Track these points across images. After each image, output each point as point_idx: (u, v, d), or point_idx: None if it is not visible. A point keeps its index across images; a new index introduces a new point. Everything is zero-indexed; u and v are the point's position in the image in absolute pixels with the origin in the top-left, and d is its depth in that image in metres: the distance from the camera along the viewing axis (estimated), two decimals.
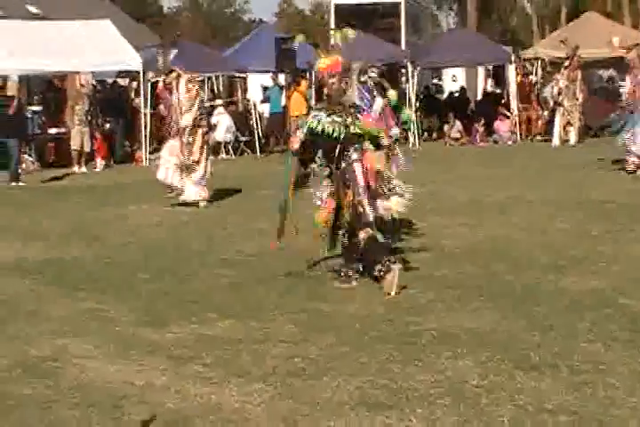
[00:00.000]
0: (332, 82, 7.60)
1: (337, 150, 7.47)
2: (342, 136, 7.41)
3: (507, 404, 4.89)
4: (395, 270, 7.24)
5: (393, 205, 7.60)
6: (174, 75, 12.97)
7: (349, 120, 7.45)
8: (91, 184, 16.47)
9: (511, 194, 12.82)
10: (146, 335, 6.38)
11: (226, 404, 5.04)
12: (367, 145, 7.56)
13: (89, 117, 19.27)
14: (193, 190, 12.62)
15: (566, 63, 21.03)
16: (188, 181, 12.61)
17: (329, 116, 7.46)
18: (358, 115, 7.58)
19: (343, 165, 7.52)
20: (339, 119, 7.43)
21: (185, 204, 12.67)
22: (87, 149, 19.19)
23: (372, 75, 8.51)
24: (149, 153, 20.37)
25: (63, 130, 19.96)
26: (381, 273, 7.30)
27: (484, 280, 7.71)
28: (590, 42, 21.48)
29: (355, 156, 7.51)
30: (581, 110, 21.06)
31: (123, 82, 24.30)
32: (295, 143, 7.66)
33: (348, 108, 7.54)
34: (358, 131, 7.45)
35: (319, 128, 7.43)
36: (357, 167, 7.50)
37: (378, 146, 7.68)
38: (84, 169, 18.98)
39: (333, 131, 7.39)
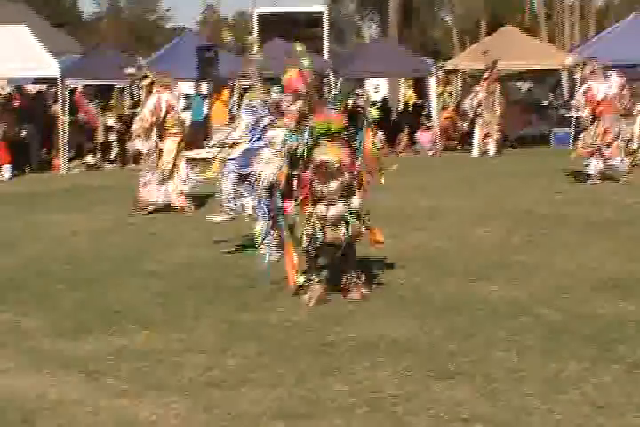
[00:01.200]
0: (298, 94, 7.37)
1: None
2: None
3: (423, 413, 4.92)
4: (319, 286, 7.30)
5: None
6: (147, 81, 12.73)
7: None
8: (7, 193, 16.15)
9: (434, 203, 12.92)
10: (62, 348, 6.26)
11: (141, 417, 4.96)
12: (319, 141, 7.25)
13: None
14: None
15: (485, 75, 21.32)
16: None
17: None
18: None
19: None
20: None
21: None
22: None
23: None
24: (67, 161, 20.10)
25: None
26: (309, 282, 7.32)
27: (406, 289, 7.74)
28: (508, 55, 21.78)
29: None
30: (500, 122, 21.35)
31: (40, 88, 23.96)
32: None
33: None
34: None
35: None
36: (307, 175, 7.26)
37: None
38: None
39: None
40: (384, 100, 28.73)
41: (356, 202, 7.31)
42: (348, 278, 7.45)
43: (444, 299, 7.38)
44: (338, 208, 7.18)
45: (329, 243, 7.26)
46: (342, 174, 7.19)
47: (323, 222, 7.19)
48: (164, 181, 12.61)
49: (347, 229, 7.21)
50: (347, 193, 7.25)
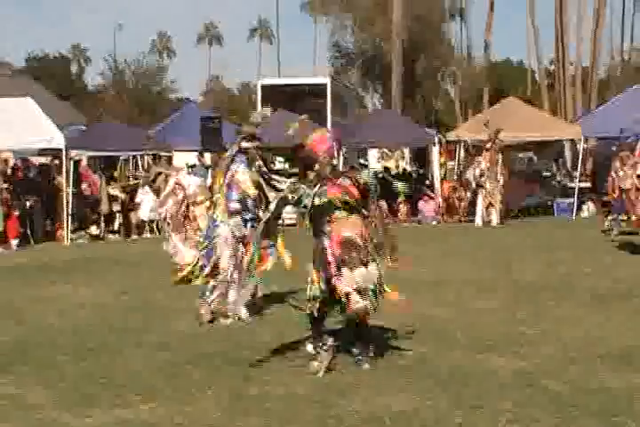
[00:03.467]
0: (323, 157, 7.59)
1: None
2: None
3: None
4: (327, 354, 7.30)
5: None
6: (162, 177, 12.81)
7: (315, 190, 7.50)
8: (12, 264, 16.16)
9: (438, 273, 12.92)
10: (66, 421, 6.21)
11: None
12: (337, 213, 7.52)
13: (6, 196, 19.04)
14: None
15: (488, 146, 21.50)
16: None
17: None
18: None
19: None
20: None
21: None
22: (0, 228, 18.85)
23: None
24: (71, 232, 20.17)
25: None
26: (316, 350, 7.31)
27: (411, 359, 7.70)
28: (511, 125, 22.00)
29: (326, 228, 7.52)
30: (503, 192, 21.46)
31: (45, 160, 24.14)
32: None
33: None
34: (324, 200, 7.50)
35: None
36: (326, 241, 7.49)
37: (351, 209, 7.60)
38: None
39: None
40: (386, 170, 28.94)
41: (374, 270, 7.47)
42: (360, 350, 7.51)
43: (449, 370, 7.34)
44: (362, 272, 7.36)
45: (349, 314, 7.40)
46: (366, 246, 7.47)
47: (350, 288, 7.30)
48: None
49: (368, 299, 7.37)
50: (366, 260, 7.43)
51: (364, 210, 7.66)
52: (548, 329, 8.89)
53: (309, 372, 7.22)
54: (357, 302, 7.31)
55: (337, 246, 7.41)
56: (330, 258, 7.41)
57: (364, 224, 7.60)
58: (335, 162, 7.82)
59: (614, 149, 19.15)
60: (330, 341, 7.51)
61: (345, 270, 7.34)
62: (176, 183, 12.31)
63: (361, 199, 7.63)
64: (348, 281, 7.32)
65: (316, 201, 7.48)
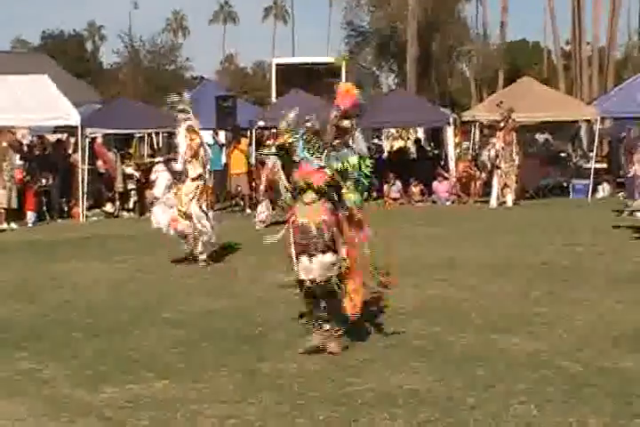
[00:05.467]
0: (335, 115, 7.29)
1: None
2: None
3: None
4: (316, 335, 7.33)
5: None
6: (190, 122, 12.53)
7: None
8: (27, 241, 16.21)
9: (452, 254, 12.88)
10: (80, 396, 6.25)
11: None
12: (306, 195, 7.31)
13: (21, 174, 19.09)
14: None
15: (501, 125, 21.39)
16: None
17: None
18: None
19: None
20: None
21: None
22: (14, 205, 18.91)
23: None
24: (86, 209, 20.22)
25: None
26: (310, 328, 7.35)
27: (425, 340, 7.71)
28: (526, 106, 21.87)
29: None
30: (518, 172, 21.37)
31: (60, 137, 24.19)
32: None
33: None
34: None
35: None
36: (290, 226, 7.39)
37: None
38: (13, 225, 18.64)
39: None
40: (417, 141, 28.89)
41: (330, 258, 7.21)
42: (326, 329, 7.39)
43: (463, 350, 7.35)
44: (318, 261, 7.18)
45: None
46: (322, 235, 7.19)
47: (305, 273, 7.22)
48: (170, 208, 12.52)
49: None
50: (327, 248, 7.20)
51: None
52: (562, 311, 8.88)
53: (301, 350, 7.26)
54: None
55: (295, 231, 7.28)
56: (290, 242, 7.31)
57: (331, 212, 7.30)
58: (347, 124, 7.34)
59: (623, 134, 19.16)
60: (326, 326, 7.38)
61: (301, 257, 7.24)
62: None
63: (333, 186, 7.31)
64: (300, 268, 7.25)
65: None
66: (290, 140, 7.34)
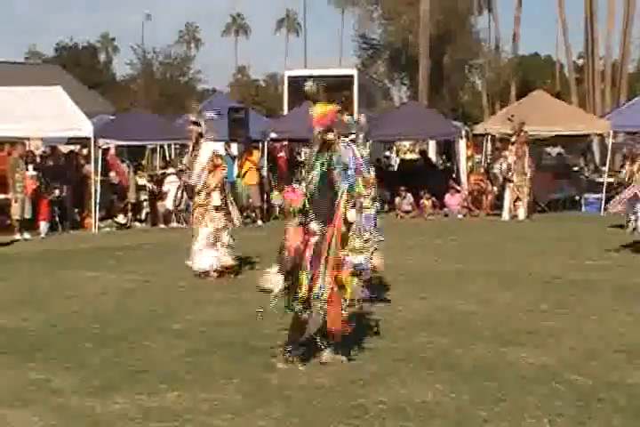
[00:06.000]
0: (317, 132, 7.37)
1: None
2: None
3: None
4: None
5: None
6: (198, 129, 12.45)
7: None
8: (39, 251, 16.26)
9: (462, 266, 12.90)
10: (90, 406, 6.26)
11: None
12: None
13: (34, 184, 19.17)
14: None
15: (513, 139, 21.41)
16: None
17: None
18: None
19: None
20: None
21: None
22: (28, 215, 18.97)
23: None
24: (99, 220, 20.28)
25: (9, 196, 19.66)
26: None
27: (434, 352, 7.70)
28: (539, 119, 21.88)
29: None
30: (530, 185, 21.37)
31: (73, 148, 24.29)
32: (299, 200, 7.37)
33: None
34: None
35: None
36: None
37: None
38: (26, 235, 18.71)
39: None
40: (422, 154, 28.84)
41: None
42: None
43: (471, 363, 7.34)
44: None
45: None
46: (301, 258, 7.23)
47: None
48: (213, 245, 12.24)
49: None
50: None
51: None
52: (570, 324, 8.86)
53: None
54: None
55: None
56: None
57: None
58: (332, 136, 7.38)
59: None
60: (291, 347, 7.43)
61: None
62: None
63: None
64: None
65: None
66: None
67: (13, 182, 18.69)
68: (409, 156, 32.12)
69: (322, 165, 7.32)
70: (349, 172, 7.47)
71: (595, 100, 42.70)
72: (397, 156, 30.84)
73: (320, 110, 7.46)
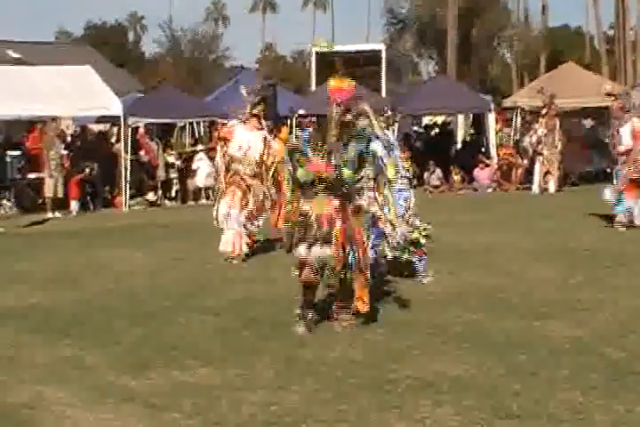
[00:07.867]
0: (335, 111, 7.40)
1: None
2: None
3: None
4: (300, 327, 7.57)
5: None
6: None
7: None
8: (71, 229, 16.38)
9: (492, 240, 12.84)
10: (124, 382, 6.30)
11: None
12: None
13: (67, 163, 19.30)
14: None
15: (543, 112, 21.24)
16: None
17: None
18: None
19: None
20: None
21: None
22: (60, 194, 19.11)
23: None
24: (129, 198, 20.38)
25: (42, 175, 19.82)
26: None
27: (465, 327, 7.69)
28: (569, 91, 21.70)
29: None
30: (560, 159, 21.22)
31: (103, 127, 24.38)
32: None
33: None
34: None
35: None
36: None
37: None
38: (57, 214, 18.85)
39: None
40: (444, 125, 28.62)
41: (328, 251, 7.36)
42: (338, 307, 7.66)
43: (503, 337, 7.31)
44: (316, 252, 7.37)
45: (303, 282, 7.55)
46: (321, 227, 7.37)
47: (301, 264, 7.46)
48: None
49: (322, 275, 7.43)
50: (325, 241, 7.37)
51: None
52: (604, 297, 8.81)
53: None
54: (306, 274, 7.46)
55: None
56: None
57: (336, 209, 7.41)
58: (350, 118, 7.42)
59: None
60: (305, 312, 7.65)
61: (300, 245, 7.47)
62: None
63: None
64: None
65: (300, 173, 7.40)
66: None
67: (48, 160, 18.85)
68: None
69: (355, 146, 7.32)
70: (380, 161, 7.46)
71: (626, 72, 42.27)
72: (426, 131, 30.58)
73: (335, 84, 7.46)
